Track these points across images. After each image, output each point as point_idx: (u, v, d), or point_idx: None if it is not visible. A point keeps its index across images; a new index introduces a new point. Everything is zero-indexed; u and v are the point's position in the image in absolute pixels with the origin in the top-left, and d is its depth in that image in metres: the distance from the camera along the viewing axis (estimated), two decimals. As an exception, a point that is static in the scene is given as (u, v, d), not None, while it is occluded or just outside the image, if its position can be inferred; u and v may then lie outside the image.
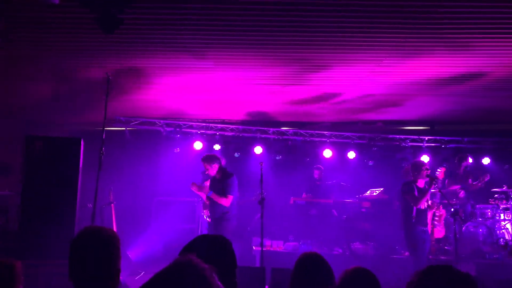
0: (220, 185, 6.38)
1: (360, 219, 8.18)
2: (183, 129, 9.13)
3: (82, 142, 5.10)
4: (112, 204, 7.03)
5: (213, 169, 6.42)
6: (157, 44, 5.39)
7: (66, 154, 5.02)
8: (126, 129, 9.15)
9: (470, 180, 8.38)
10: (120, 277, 2.05)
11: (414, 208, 6.09)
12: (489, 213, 7.93)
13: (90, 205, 5.15)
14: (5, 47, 3.51)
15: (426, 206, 6.21)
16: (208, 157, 6.55)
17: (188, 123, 9.17)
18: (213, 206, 6.42)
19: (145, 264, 7.38)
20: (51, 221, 4.73)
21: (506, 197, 8.06)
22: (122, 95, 7.39)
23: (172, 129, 9.07)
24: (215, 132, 9.20)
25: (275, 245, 7.61)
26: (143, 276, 7.00)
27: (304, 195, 8.42)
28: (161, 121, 9.06)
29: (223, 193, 6.29)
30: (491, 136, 9.45)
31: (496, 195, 8.07)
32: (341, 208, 8.26)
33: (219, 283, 1.14)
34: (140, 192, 9.03)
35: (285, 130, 9.49)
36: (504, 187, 8.09)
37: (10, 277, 2.18)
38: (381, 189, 8.16)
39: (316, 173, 8.52)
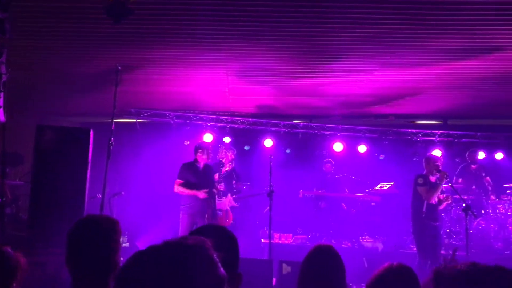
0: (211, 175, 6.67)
1: (369, 213, 8.13)
2: (193, 121, 9.13)
3: (91, 133, 5.11)
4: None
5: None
6: (169, 36, 5.37)
7: (76, 144, 5.04)
8: (136, 121, 9.19)
9: (484, 174, 8.26)
10: None
11: (425, 202, 6.03)
12: (501, 209, 7.81)
13: (99, 196, 5.17)
14: (13, 38, 3.52)
15: (437, 201, 6.14)
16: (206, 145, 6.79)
17: (198, 115, 9.17)
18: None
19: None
20: (60, 210, 4.76)
21: (519, 192, 7.95)
22: (133, 87, 7.40)
23: (182, 121, 9.08)
24: (225, 124, 9.18)
25: (284, 238, 7.59)
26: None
27: (314, 189, 8.37)
28: (171, 113, 9.08)
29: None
30: (504, 131, 9.29)
31: (508, 191, 7.96)
32: (351, 202, 8.21)
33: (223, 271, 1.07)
34: (150, 184, 9.06)
35: (296, 123, 9.44)
36: (517, 182, 7.97)
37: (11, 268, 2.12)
38: (392, 183, 8.09)
39: (326, 167, 8.46)
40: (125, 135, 9.06)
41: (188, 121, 9.07)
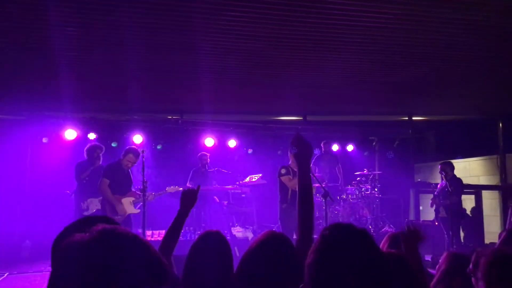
0: None
1: (240, 204, 8.50)
2: (52, 117, 8.40)
3: None
4: None
5: None
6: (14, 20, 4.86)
7: None
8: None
9: (336, 163, 9.36)
10: None
11: (290, 190, 6.53)
12: (353, 195, 8.86)
13: None
14: None
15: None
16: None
17: (57, 109, 8.45)
18: None
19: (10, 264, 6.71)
20: None
21: (366, 179, 9.10)
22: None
23: (39, 117, 8.30)
24: (89, 119, 8.63)
25: (157, 235, 7.50)
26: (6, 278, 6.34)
27: (188, 183, 8.39)
28: (26, 107, 8.21)
29: None
30: (354, 126, 10.53)
31: (358, 178, 9.05)
32: (223, 195, 8.47)
33: None
34: (3, 185, 8.12)
35: (168, 118, 9.33)
36: (364, 170, 9.12)
37: None
38: (260, 175, 8.55)
39: (201, 161, 8.53)
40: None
41: (46, 116, 8.32)
